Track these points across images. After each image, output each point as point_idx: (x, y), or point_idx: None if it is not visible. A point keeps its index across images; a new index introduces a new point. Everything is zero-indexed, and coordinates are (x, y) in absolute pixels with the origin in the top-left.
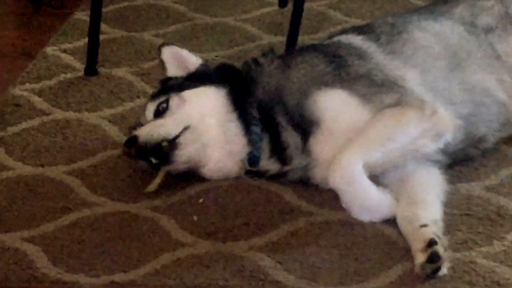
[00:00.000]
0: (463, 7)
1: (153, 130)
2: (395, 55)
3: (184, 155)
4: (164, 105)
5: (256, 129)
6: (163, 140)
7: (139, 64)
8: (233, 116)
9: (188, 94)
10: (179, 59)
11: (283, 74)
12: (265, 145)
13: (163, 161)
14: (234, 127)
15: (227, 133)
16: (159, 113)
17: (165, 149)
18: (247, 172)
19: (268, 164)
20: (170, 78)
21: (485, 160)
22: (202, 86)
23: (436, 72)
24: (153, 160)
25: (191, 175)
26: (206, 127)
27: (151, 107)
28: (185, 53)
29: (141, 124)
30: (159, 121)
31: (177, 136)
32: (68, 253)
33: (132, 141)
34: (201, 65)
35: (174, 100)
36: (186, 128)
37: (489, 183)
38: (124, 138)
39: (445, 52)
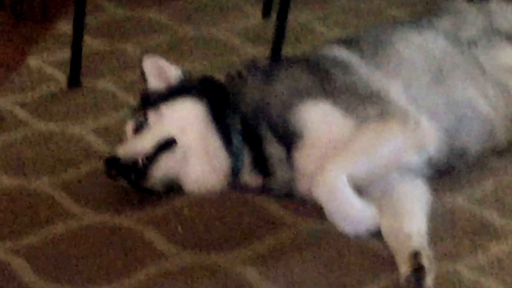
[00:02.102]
0: (446, 19)
1: (131, 148)
2: (379, 67)
3: (159, 170)
4: (143, 120)
5: (237, 141)
6: (142, 158)
7: (122, 76)
8: (213, 129)
9: (166, 108)
10: (160, 71)
11: (267, 86)
12: (246, 158)
13: (138, 177)
14: (214, 141)
15: (207, 147)
16: (138, 129)
17: (140, 165)
18: (231, 186)
19: (250, 177)
20: (149, 90)
21: (469, 171)
22: (182, 98)
23: (419, 85)
24: (133, 181)
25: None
26: (184, 141)
27: (130, 124)
28: (166, 64)
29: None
30: (137, 138)
31: (155, 152)
32: (53, 265)
33: (113, 160)
34: (182, 78)
35: (152, 115)
36: (164, 143)
37: (472, 195)
38: (107, 150)
39: (428, 65)
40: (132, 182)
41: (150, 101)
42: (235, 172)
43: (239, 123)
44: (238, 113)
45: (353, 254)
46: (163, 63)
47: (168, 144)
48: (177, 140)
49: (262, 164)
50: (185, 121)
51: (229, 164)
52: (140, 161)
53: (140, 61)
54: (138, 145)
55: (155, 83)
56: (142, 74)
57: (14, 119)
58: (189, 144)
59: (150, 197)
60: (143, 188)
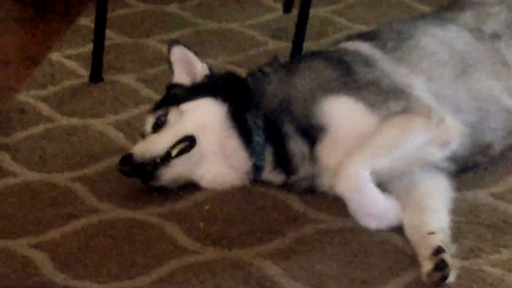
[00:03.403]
0: (469, 13)
1: (147, 147)
2: (402, 62)
3: (170, 174)
4: (163, 118)
5: (259, 139)
6: (157, 159)
7: (144, 70)
8: (234, 130)
9: (187, 107)
10: (187, 63)
11: (289, 82)
12: (268, 156)
13: (147, 178)
14: (234, 142)
15: (227, 148)
16: (158, 126)
17: (150, 166)
18: (253, 181)
19: (272, 175)
20: (175, 85)
21: (492, 167)
22: (203, 98)
23: (442, 79)
24: (147, 180)
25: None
26: (202, 141)
27: (150, 120)
28: (193, 57)
29: (143, 136)
30: (154, 137)
31: (168, 154)
32: (75, 260)
33: (127, 159)
34: (206, 75)
35: (172, 114)
36: (181, 141)
37: (496, 190)
38: (129, 144)
39: (451, 59)
40: (144, 180)
41: (173, 97)
42: (257, 170)
43: (261, 121)
44: (261, 110)
45: (375, 250)
46: (191, 56)
47: (184, 140)
48: (196, 140)
49: (285, 162)
50: (205, 121)
51: (250, 162)
52: (149, 164)
53: (168, 50)
54: (154, 145)
55: (181, 76)
56: (169, 64)
57: (37, 113)
58: (207, 144)
59: (171, 192)
60: (160, 187)
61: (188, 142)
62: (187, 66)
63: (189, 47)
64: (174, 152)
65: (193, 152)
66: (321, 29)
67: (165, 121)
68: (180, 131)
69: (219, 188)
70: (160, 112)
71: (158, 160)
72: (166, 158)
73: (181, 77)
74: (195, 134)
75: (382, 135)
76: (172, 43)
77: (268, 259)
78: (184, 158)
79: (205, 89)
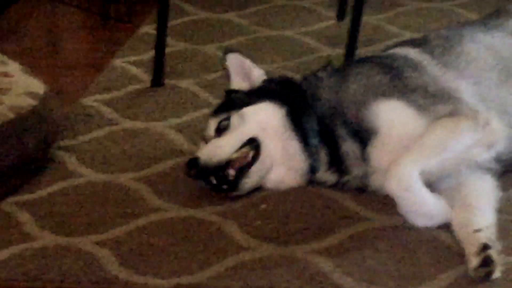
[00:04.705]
0: None
1: (213, 152)
2: (449, 67)
3: (251, 183)
4: (226, 122)
5: (315, 141)
6: (224, 163)
7: (203, 76)
8: (292, 132)
9: (249, 111)
10: (243, 69)
11: (342, 86)
12: (323, 157)
13: (231, 188)
14: (294, 144)
15: (288, 151)
16: (220, 130)
17: (232, 178)
18: (308, 181)
19: (326, 175)
20: (233, 91)
21: None
22: (263, 102)
23: (488, 83)
24: (213, 181)
25: None
26: (266, 145)
27: (212, 124)
28: (248, 63)
29: (205, 139)
30: (219, 141)
31: (246, 165)
32: (137, 256)
33: (193, 162)
34: (264, 80)
35: (234, 118)
36: (245, 144)
37: None
38: (189, 146)
39: (497, 64)
40: (209, 183)
41: (233, 102)
42: (313, 171)
43: (316, 124)
44: (315, 114)
45: (424, 247)
46: (247, 62)
47: (248, 143)
48: (260, 143)
49: (338, 163)
50: (267, 125)
51: (307, 164)
52: (232, 174)
53: (223, 57)
54: (219, 149)
55: (238, 82)
56: (226, 70)
57: (101, 117)
58: (271, 147)
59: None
60: (218, 188)
61: (254, 147)
62: (243, 72)
63: (244, 53)
64: (234, 156)
65: (264, 157)
66: (373, 36)
67: (228, 125)
68: (244, 134)
69: (279, 189)
70: (222, 116)
71: (232, 172)
72: (242, 170)
73: (238, 82)
74: (259, 137)
75: (430, 137)
76: (227, 50)
77: (321, 256)
78: (258, 164)
79: (264, 93)
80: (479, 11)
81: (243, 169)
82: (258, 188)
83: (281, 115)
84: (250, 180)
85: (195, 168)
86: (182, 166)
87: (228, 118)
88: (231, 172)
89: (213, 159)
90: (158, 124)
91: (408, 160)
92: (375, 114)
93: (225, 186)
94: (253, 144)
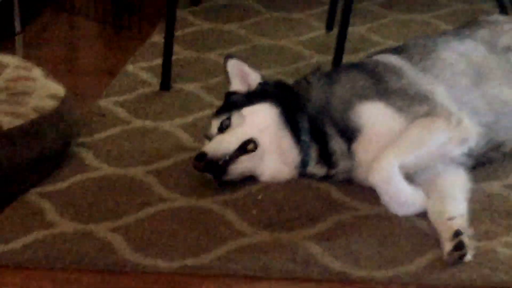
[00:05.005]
0: (484, 30)
1: (218, 146)
2: (426, 72)
3: (238, 169)
4: (227, 121)
5: (306, 138)
6: (227, 156)
7: (206, 80)
8: (287, 130)
9: (247, 111)
10: (242, 73)
11: (330, 89)
12: (313, 152)
13: (219, 173)
14: (288, 140)
15: (282, 146)
16: (223, 128)
17: (222, 163)
18: (300, 174)
19: (316, 168)
20: (232, 93)
21: (504, 162)
22: (260, 103)
23: (461, 87)
24: (218, 175)
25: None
26: (263, 141)
27: (215, 123)
28: (246, 68)
29: (208, 137)
30: (222, 137)
31: (237, 152)
32: (147, 241)
33: (201, 156)
34: (260, 83)
35: (235, 117)
36: (245, 143)
37: (507, 182)
38: (194, 143)
39: (469, 69)
40: (215, 175)
41: (233, 103)
42: (304, 165)
43: (307, 123)
44: (306, 113)
45: (403, 233)
46: (245, 67)
47: (248, 143)
48: (257, 140)
49: (327, 157)
50: (264, 124)
51: (299, 159)
52: (221, 161)
53: (224, 62)
54: (223, 144)
55: (237, 85)
56: (226, 74)
57: (115, 117)
58: (267, 143)
59: (229, 184)
60: (223, 181)
61: (253, 143)
62: (242, 75)
63: (243, 59)
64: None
65: (259, 151)
66: (358, 45)
67: (229, 124)
68: (244, 132)
69: (274, 181)
70: (223, 116)
71: (227, 158)
72: (232, 158)
73: (237, 85)
74: (256, 134)
75: (409, 135)
76: (227, 56)
77: (312, 241)
78: (248, 157)
79: (261, 95)
80: (453, 23)
81: (235, 156)
82: (255, 180)
83: (276, 115)
84: (238, 166)
85: (203, 161)
86: (190, 160)
87: (229, 118)
88: (222, 160)
89: (217, 153)
90: (165, 123)
91: (389, 156)
92: (359, 114)
93: (214, 171)
94: (253, 142)
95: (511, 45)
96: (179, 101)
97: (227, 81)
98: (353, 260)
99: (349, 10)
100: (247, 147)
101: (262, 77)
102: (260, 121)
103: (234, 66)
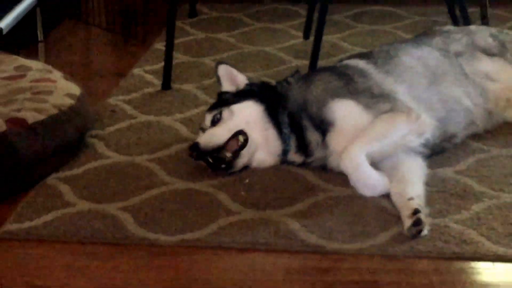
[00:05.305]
0: (438, 38)
1: (210, 138)
2: (389, 74)
3: (242, 162)
4: (218, 116)
5: (286, 131)
6: (218, 146)
7: (201, 81)
8: (270, 123)
9: (236, 107)
10: (231, 76)
11: (307, 89)
12: (292, 143)
13: (227, 168)
14: (271, 132)
15: (266, 138)
16: (214, 122)
17: (228, 159)
18: (281, 162)
19: (295, 157)
20: (224, 92)
21: (455, 151)
22: (247, 101)
23: (419, 87)
24: (210, 160)
25: None
26: (250, 134)
27: (208, 117)
28: (235, 71)
29: (203, 129)
30: (214, 130)
31: (239, 149)
32: (151, 219)
33: (195, 146)
34: (247, 84)
35: (225, 112)
36: (235, 134)
37: (458, 168)
38: (191, 135)
39: (425, 71)
40: (207, 162)
41: (224, 101)
42: (285, 153)
43: (287, 118)
44: (286, 109)
45: (370, 211)
46: (233, 71)
47: (237, 134)
48: (245, 133)
49: (304, 147)
50: (250, 118)
51: (281, 148)
52: (229, 155)
53: (215, 67)
54: (214, 136)
55: (227, 86)
56: (217, 78)
57: (123, 112)
58: (253, 135)
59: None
60: (214, 166)
61: (244, 135)
62: (231, 78)
63: (232, 64)
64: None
65: (250, 143)
66: (331, 51)
67: (220, 118)
68: (233, 125)
69: (260, 167)
70: (215, 112)
71: (229, 155)
72: (235, 154)
73: (227, 86)
74: (244, 127)
75: (374, 128)
76: (218, 62)
77: (291, 218)
78: (247, 148)
79: (247, 94)
80: (411, 32)
81: (237, 152)
82: (245, 167)
83: (261, 111)
84: (241, 160)
85: (196, 151)
86: (186, 150)
87: (220, 113)
88: (228, 154)
89: (209, 144)
90: (166, 118)
91: (357, 145)
92: (332, 111)
93: (223, 166)
94: (243, 133)
95: (461, 51)
96: (178, 99)
97: (219, 83)
98: (327, 234)
99: (323, 21)
100: (239, 139)
101: (249, 79)
102: (247, 115)
103: (224, 71)
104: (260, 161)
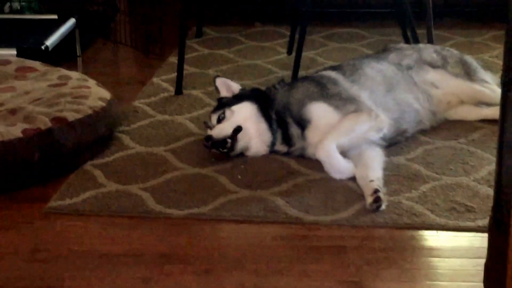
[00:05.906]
0: (394, 54)
1: (219, 132)
2: (354, 82)
3: (240, 145)
4: (222, 115)
5: (274, 126)
6: (226, 137)
7: (206, 88)
8: (262, 120)
9: (236, 107)
10: (226, 85)
11: (290, 93)
12: (278, 136)
13: (230, 150)
14: (263, 127)
15: (259, 131)
16: (220, 120)
17: (230, 144)
18: (269, 151)
19: (280, 147)
20: (222, 98)
21: (407, 143)
22: (243, 102)
23: (378, 93)
24: (221, 150)
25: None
26: (248, 128)
27: (214, 117)
28: (229, 81)
29: (208, 126)
30: (221, 126)
31: (233, 134)
32: (166, 197)
33: (209, 138)
34: (241, 89)
35: (227, 112)
36: (237, 129)
37: (409, 156)
38: (198, 130)
39: (383, 81)
40: (220, 151)
41: (225, 104)
42: (273, 144)
43: (275, 115)
44: (274, 109)
45: (340, 191)
46: (228, 81)
47: (238, 130)
48: (243, 127)
49: (287, 139)
50: (247, 115)
51: (270, 140)
52: (229, 141)
53: (213, 81)
54: (222, 130)
55: (224, 93)
56: (216, 88)
57: (144, 113)
58: (251, 130)
59: (224, 158)
60: (221, 151)
61: (240, 128)
62: (227, 87)
63: (227, 76)
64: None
65: (244, 133)
66: (309, 64)
67: (224, 116)
68: (235, 121)
69: (253, 156)
70: (220, 112)
71: (228, 140)
72: (234, 139)
73: (224, 93)
74: (243, 122)
75: (343, 124)
76: (215, 77)
77: (277, 196)
78: (242, 138)
79: (243, 97)
80: (372, 49)
81: (234, 136)
82: (240, 156)
83: (255, 109)
84: (239, 144)
85: (211, 141)
86: (201, 141)
87: (224, 113)
88: (229, 141)
89: (219, 136)
90: (179, 117)
91: (330, 138)
92: (309, 111)
93: (226, 150)
94: (239, 127)
95: (411, 64)
96: (188, 102)
97: (217, 91)
98: (305, 209)
99: (302, 40)
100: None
101: (242, 86)
102: (245, 113)
103: (220, 82)
104: (255, 151)
